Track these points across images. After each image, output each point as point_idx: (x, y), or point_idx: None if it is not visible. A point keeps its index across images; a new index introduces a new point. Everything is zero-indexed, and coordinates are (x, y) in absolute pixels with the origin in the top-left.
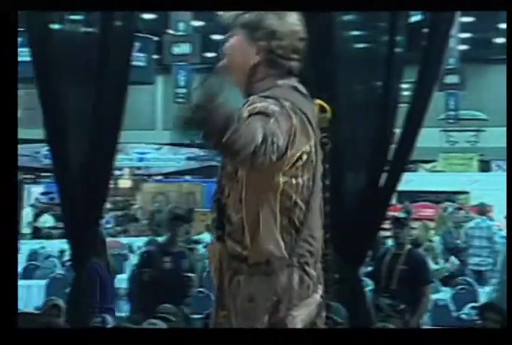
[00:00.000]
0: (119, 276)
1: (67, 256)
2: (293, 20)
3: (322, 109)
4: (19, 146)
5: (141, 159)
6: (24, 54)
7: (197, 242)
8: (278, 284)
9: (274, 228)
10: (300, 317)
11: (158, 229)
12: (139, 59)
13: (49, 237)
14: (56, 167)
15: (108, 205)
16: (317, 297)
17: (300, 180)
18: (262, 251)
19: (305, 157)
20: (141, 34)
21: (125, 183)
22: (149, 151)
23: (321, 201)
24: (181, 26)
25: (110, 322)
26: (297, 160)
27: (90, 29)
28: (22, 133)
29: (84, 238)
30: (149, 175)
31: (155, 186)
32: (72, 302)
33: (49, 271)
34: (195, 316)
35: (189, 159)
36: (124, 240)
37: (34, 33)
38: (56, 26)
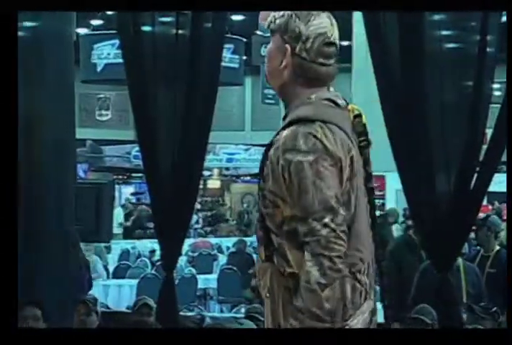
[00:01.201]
0: (208, 276)
1: (157, 256)
2: (320, 23)
3: (356, 114)
4: (110, 147)
5: (230, 160)
6: (116, 57)
7: None
8: (331, 296)
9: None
10: (356, 326)
11: (247, 229)
12: (228, 60)
13: (140, 237)
14: (146, 168)
15: (197, 206)
16: (370, 303)
17: (344, 196)
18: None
19: (348, 169)
20: (230, 35)
21: (214, 184)
22: (238, 151)
23: (367, 205)
24: None
25: (208, 321)
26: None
27: (180, 31)
28: (113, 134)
29: (174, 239)
30: (238, 176)
31: (244, 186)
32: (162, 302)
33: (140, 270)
34: None
35: None
36: (213, 240)
37: (125, 35)
38: (147, 28)
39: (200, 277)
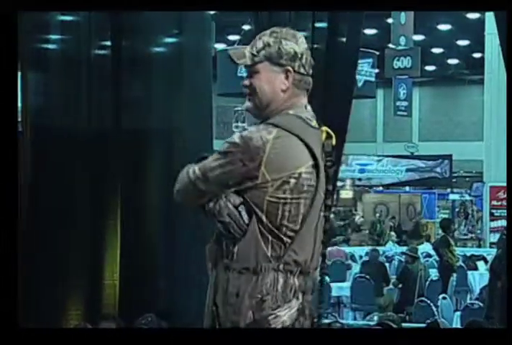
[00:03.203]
0: (342, 284)
1: None
2: (303, 39)
3: (328, 135)
4: None
5: (362, 171)
6: None
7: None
8: (264, 285)
9: (260, 242)
10: (283, 317)
11: (379, 239)
12: (368, 74)
13: None
14: None
15: (331, 215)
16: (298, 303)
17: (287, 202)
18: (247, 257)
19: (293, 181)
20: (366, 50)
21: (347, 194)
22: (370, 162)
23: (321, 219)
24: (402, 40)
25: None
26: (282, 184)
27: (316, 46)
28: None
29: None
30: (370, 186)
31: (376, 197)
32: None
33: None
34: (417, 325)
35: (409, 170)
36: (347, 249)
37: None
38: None
39: (334, 285)
